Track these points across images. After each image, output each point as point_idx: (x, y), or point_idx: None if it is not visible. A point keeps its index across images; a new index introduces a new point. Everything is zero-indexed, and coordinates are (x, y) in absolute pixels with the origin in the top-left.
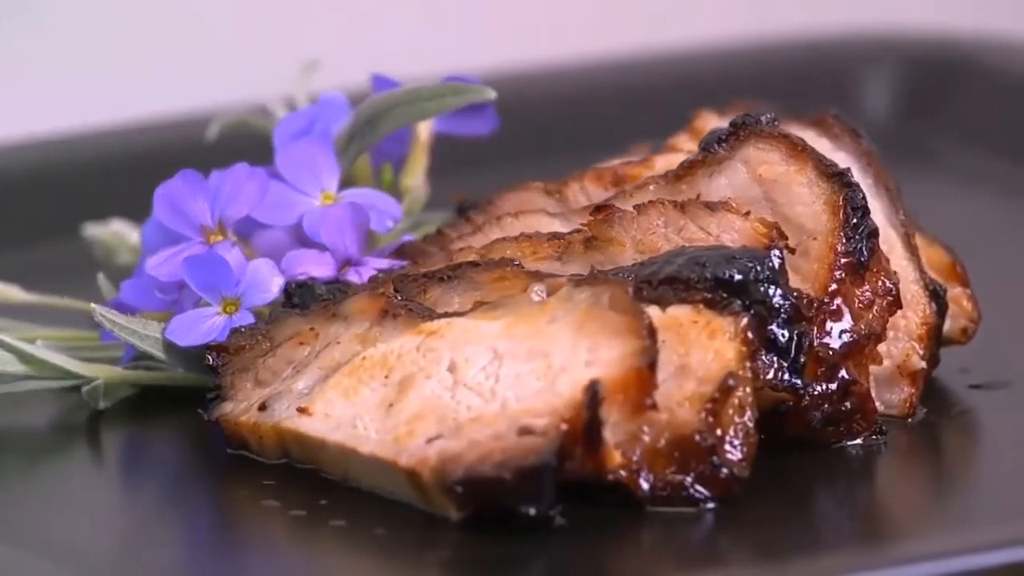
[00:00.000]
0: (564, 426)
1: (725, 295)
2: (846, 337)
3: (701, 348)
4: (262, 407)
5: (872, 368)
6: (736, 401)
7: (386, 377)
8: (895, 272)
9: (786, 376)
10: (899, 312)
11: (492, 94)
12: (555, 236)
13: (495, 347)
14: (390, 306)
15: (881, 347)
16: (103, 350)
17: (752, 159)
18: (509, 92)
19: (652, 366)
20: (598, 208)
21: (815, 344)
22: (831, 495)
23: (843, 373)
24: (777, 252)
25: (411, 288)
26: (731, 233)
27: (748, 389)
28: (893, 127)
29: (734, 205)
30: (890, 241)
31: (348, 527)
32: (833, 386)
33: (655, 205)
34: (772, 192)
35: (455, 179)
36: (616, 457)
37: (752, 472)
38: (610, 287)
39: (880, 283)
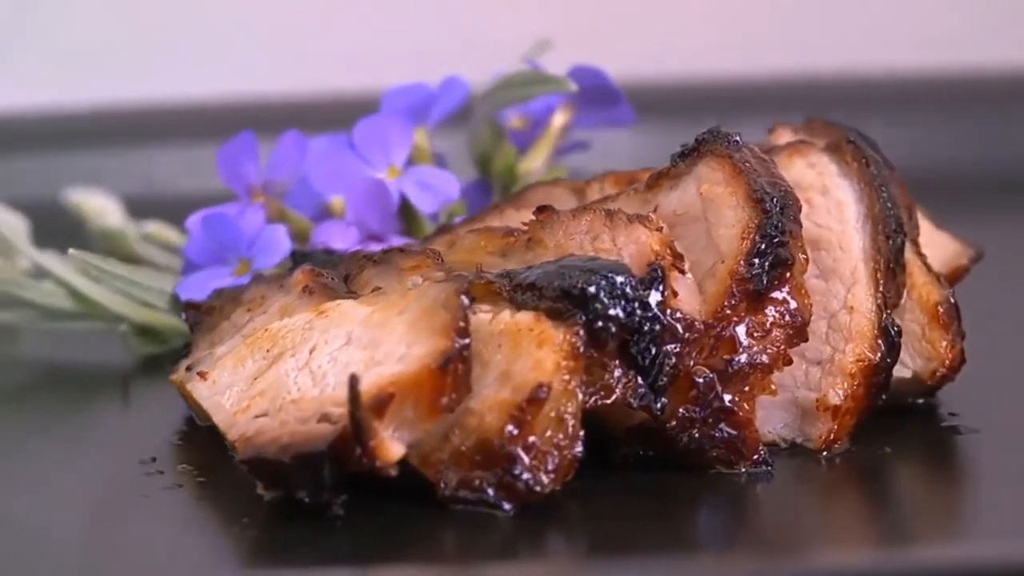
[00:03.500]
0: None
1: (571, 306)
2: (729, 363)
3: (527, 356)
4: (188, 368)
5: (797, 398)
6: (552, 413)
7: (267, 351)
8: (809, 305)
9: (643, 394)
10: (841, 346)
11: (573, 87)
12: (508, 233)
13: (351, 333)
14: (310, 281)
15: (814, 378)
16: None
17: (702, 177)
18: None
19: (445, 367)
20: (540, 209)
21: (693, 367)
22: (673, 508)
23: (726, 399)
24: (657, 271)
25: (354, 267)
26: (631, 247)
27: (569, 403)
28: None
29: (652, 220)
30: (857, 274)
31: (180, 492)
32: (703, 411)
33: (587, 212)
34: (708, 211)
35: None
36: (391, 453)
37: (559, 482)
38: (449, 287)
39: (783, 314)
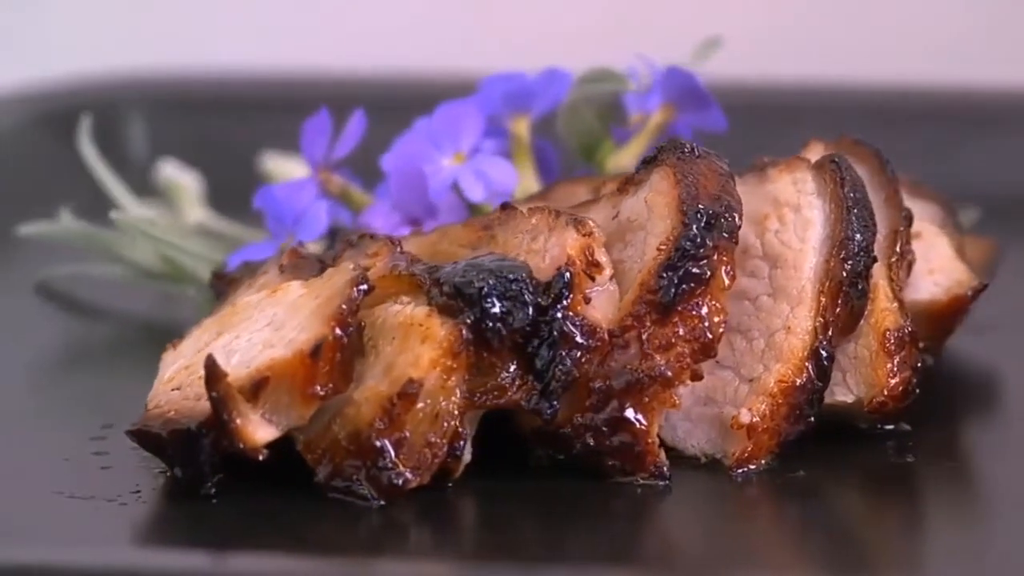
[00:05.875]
0: None
1: (461, 304)
2: (628, 374)
3: (409, 351)
4: (180, 337)
5: (722, 414)
6: (428, 409)
7: (220, 327)
8: (720, 323)
9: (536, 397)
10: (771, 365)
11: (631, 85)
12: (484, 227)
13: (275, 314)
14: (287, 260)
15: (741, 395)
16: None
17: (652, 185)
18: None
19: (316, 355)
20: (502, 206)
21: (592, 374)
22: (571, 516)
23: (625, 409)
24: (563, 276)
25: (338, 249)
26: (555, 250)
27: (445, 401)
28: None
29: (586, 224)
30: (802, 294)
31: (98, 458)
32: (598, 418)
33: (537, 212)
34: (648, 220)
35: None
36: (255, 436)
37: (426, 480)
38: (348, 275)
39: (692, 329)
